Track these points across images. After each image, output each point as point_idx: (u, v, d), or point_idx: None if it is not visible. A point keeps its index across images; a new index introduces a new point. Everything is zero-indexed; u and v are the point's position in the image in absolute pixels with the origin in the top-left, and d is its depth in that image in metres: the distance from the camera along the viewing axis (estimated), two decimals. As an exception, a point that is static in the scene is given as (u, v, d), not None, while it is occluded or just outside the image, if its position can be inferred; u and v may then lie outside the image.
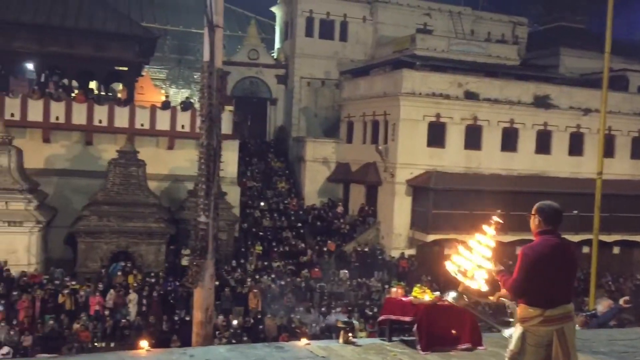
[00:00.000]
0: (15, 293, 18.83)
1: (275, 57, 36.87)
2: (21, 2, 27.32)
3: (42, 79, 29.73)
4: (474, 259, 5.21)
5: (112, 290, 19.88)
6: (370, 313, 20.20)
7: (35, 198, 22.04)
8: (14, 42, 26.73)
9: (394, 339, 7.59)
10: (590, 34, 36.03)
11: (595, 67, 29.49)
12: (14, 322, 17.60)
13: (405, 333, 7.70)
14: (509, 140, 27.72)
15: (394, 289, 8.18)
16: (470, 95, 27.02)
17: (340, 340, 7.23)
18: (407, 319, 7.39)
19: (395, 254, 26.24)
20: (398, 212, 26.74)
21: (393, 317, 7.61)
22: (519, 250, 5.06)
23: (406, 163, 26.49)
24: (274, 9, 37.88)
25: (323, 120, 34.61)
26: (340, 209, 29.90)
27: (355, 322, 8.01)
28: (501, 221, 5.27)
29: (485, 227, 5.28)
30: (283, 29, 36.91)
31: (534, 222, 4.95)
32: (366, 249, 26.37)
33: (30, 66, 29.70)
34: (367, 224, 28.00)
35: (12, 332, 17.01)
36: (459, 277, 5.33)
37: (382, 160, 27.44)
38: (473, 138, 27.20)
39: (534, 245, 4.85)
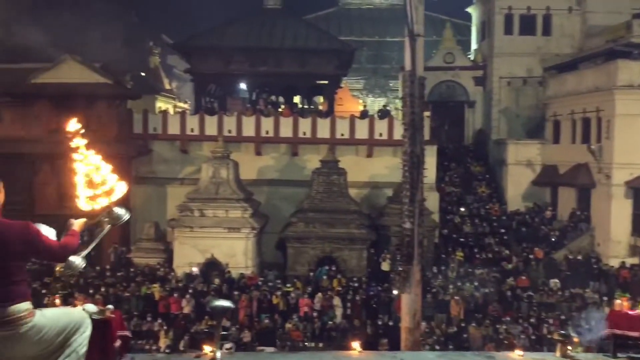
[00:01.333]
0: (235, 293, 20.71)
1: (471, 58, 35.95)
2: (235, 30, 30.26)
3: (253, 97, 32.55)
4: None
5: (319, 293, 20.90)
6: (587, 327, 18.55)
7: (250, 206, 24.07)
8: (230, 66, 29.69)
9: (620, 355, 6.89)
10: None
11: None
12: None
13: (632, 349, 6.96)
14: None
15: (618, 301, 7.44)
16: (703, 83, 23.62)
17: (558, 353, 6.76)
18: (636, 334, 6.68)
19: (614, 262, 23.80)
20: (616, 216, 24.27)
21: (618, 331, 6.93)
22: None
23: (624, 163, 23.97)
24: (469, 9, 37.00)
25: (525, 121, 32.81)
26: (548, 214, 28.02)
27: (573, 335, 7.44)
28: None
29: None
30: (479, 29, 35.85)
31: None
32: (579, 257, 24.32)
33: (243, 86, 32.69)
34: (580, 230, 25.84)
35: (233, 329, 18.74)
36: None
37: (595, 160, 25.19)
38: None
39: None
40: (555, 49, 32.15)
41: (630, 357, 6.85)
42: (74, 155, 4.26)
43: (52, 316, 3.90)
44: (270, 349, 13.69)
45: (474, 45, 37.01)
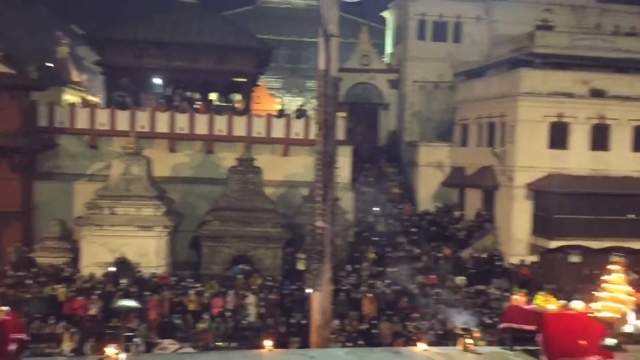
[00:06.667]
0: (147, 293, 20.15)
1: (387, 62, 36.82)
2: (150, 23, 29.46)
3: (168, 93, 31.79)
4: (617, 299, 5.07)
5: (231, 292, 20.74)
6: (489, 321, 19.50)
7: (163, 204, 23.49)
8: (144, 59, 28.85)
9: (516, 348, 7.31)
10: None
11: None
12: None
13: (528, 342, 7.38)
14: (642, 140, 25.70)
15: (515, 297, 7.87)
16: (597, 93, 25.39)
17: (459, 346, 7.07)
18: (530, 327, 7.08)
19: (515, 260, 25.16)
20: (517, 217, 25.65)
21: (515, 325, 7.33)
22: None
23: (525, 166, 25.37)
24: (384, 13, 37.86)
25: (436, 124, 34.05)
26: (456, 214, 29.22)
27: (474, 329, 7.81)
28: (623, 257, 5.11)
29: (610, 267, 5.12)
30: (394, 33, 36.80)
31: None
32: (484, 256, 25.52)
33: (157, 81, 31.84)
34: (484, 230, 27.11)
35: (143, 329, 18.22)
36: (613, 319, 5.18)
37: (500, 163, 26.51)
38: (600, 138, 25.48)
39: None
40: (464, 55, 33.54)
41: (526, 350, 7.26)
42: None
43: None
44: (168, 341, 13.44)
45: (389, 49, 37.93)
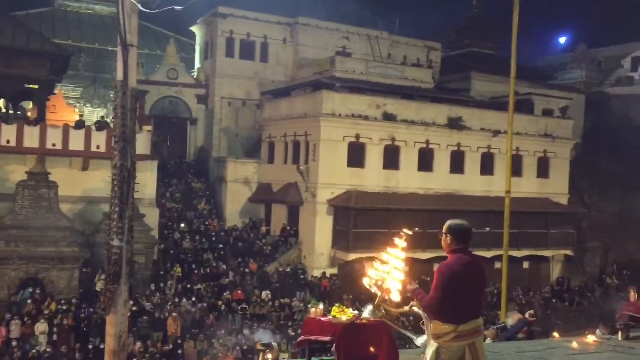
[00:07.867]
0: None
1: (195, 76, 36.48)
2: None
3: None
4: (388, 271, 5.42)
5: (16, 320, 18.81)
6: (293, 334, 20.14)
7: None
8: None
9: (313, 359, 7.60)
10: (499, 60, 37.87)
11: (503, 90, 30.92)
12: None
13: (326, 353, 7.73)
14: (425, 160, 28.63)
15: (313, 309, 8.19)
16: (388, 117, 27.74)
17: (260, 362, 7.19)
18: (326, 338, 7.40)
19: (317, 273, 26.35)
20: (319, 231, 26.93)
21: (312, 337, 7.60)
22: (435, 268, 5.24)
23: (327, 183, 26.80)
24: (193, 28, 37.53)
25: (244, 141, 34.48)
26: (263, 229, 29.79)
27: (274, 343, 7.98)
28: (410, 233, 5.48)
29: (396, 240, 5.48)
30: (203, 49, 36.64)
31: (445, 240, 5.12)
32: (288, 269, 26.33)
33: None
34: (289, 244, 28.01)
35: None
36: (375, 290, 5.51)
37: (304, 180, 27.63)
38: (391, 158, 27.90)
39: (448, 264, 5.00)
40: (271, 75, 34.56)
41: (322, 359, 7.59)
42: None
43: None
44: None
45: (197, 64, 37.63)
